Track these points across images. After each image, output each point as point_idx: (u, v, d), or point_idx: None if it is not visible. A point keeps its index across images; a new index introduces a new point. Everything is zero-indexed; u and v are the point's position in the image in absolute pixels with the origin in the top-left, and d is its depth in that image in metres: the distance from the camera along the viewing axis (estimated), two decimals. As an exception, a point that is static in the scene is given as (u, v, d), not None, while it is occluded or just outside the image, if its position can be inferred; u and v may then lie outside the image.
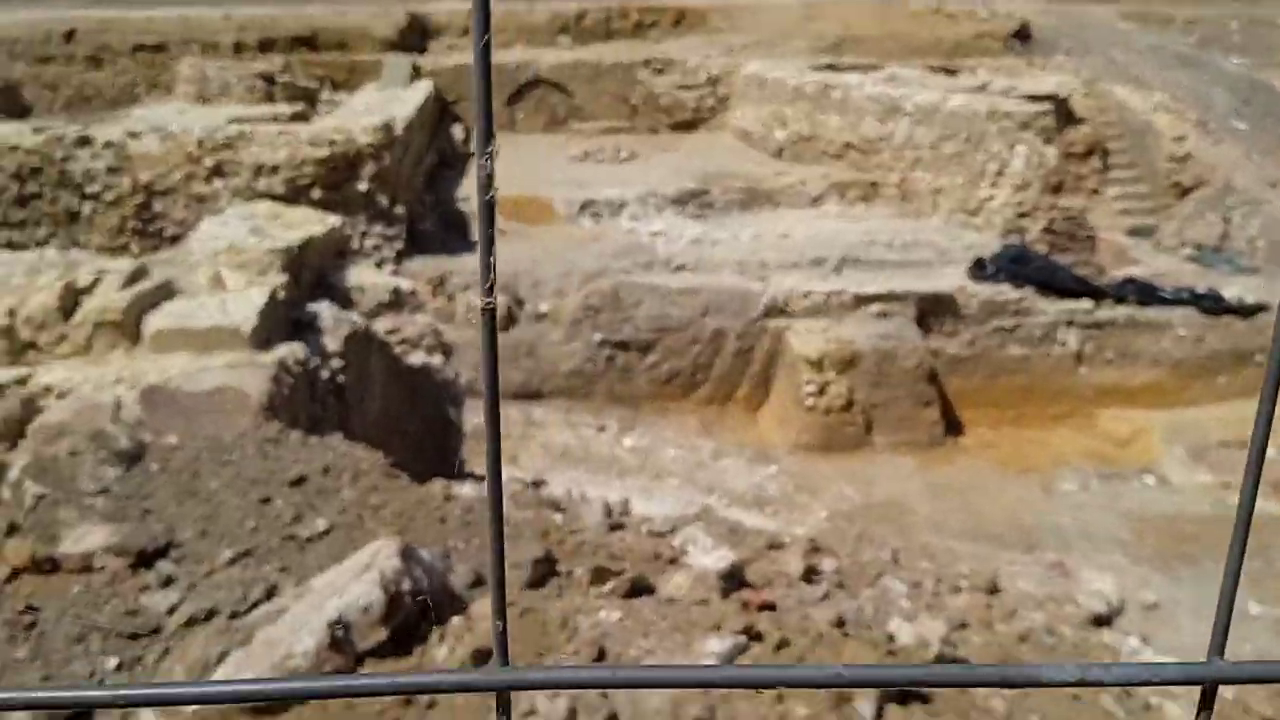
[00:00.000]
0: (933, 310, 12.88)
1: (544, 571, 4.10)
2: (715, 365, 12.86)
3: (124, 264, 6.62)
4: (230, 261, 6.79)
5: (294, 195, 12.03)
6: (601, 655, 3.23)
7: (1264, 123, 18.41)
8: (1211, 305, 12.99)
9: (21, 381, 5.52)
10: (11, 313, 5.75)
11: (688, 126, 20.90)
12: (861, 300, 12.73)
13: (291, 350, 5.98)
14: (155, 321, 5.86)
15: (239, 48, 20.20)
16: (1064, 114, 16.43)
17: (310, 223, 8.06)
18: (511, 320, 12.44)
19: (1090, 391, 13.11)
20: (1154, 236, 16.19)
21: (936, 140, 14.99)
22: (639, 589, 3.99)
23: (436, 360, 8.01)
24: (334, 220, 8.26)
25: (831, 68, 19.62)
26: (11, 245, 11.10)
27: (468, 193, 15.57)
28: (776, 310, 12.77)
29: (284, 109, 15.82)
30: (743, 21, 24.13)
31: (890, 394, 12.21)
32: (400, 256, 12.34)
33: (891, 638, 4.46)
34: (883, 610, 5.38)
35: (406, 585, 3.27)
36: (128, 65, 20.31)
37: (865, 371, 12.14)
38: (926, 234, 14.52)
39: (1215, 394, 12.96)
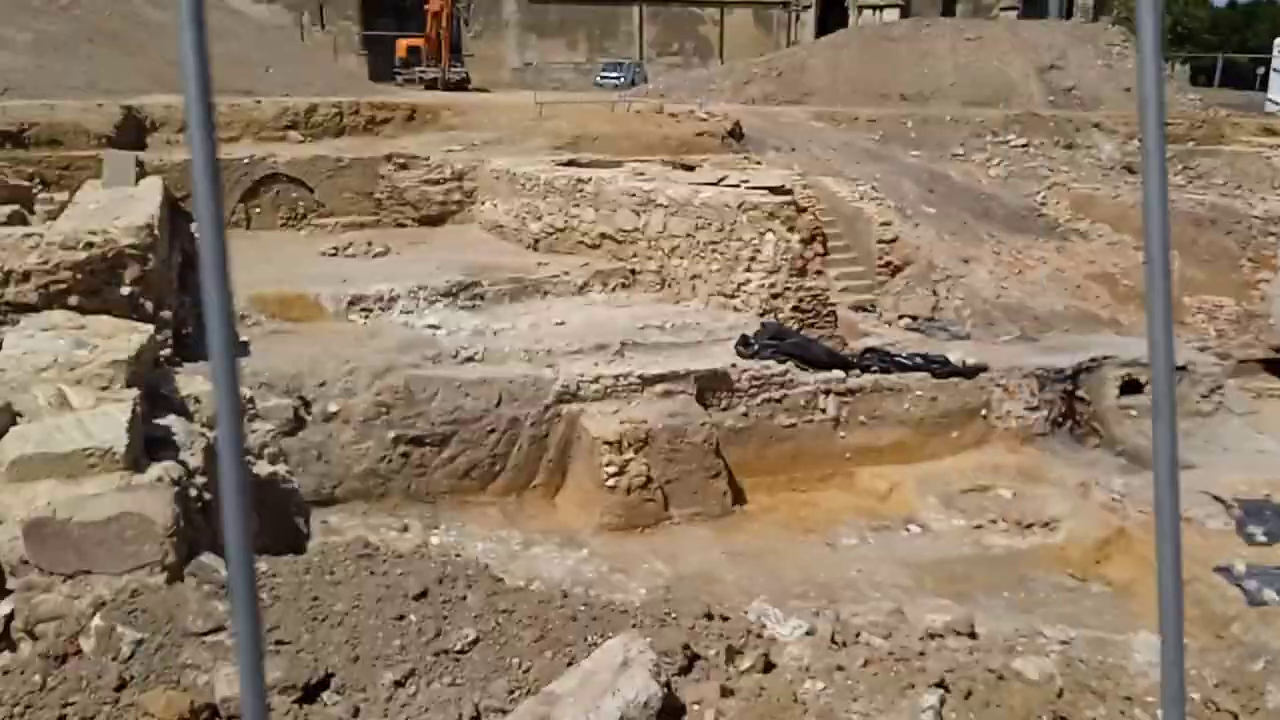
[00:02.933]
0: (710, 386, 13.73)
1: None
2: (512, 454, 12.95)
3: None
4: (64, 378, 6.19)
5: (47, 303, 10.99)
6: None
7: (947, 208, 21.31)
8: (940, 368, 14.78)
9: None
10: None
11: (435, 221, 21.03)
12: (647, 381, 13.35)
13: (166, 469, 5.56)
14: (10, 448, 5.24)
15: (-68, 144, 18.12)
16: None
17: (122, 331, 7.46)
18: (299, 423, 11.93)
19: (848, 453, 14.41)
20: (876, 310, 18.21)
21: (692, 230, 16.12)
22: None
23: (281, 469, 7.62)
24: (146, 327, 7.70)
25: (573, 163, 20.57)
26: None
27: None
28: (568, 396, 13.10)
29: (-3, 209, 14.40)
30: (478, 120, 24.74)
31: (683, 469, 12.83)
32: (169, 363, 11.53)
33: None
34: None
35: (663, 677, 3.34)
36: None
37: (659, 449, 12.71)
38: (691, 316, 15.49)
39: (950, 447, 14.68)
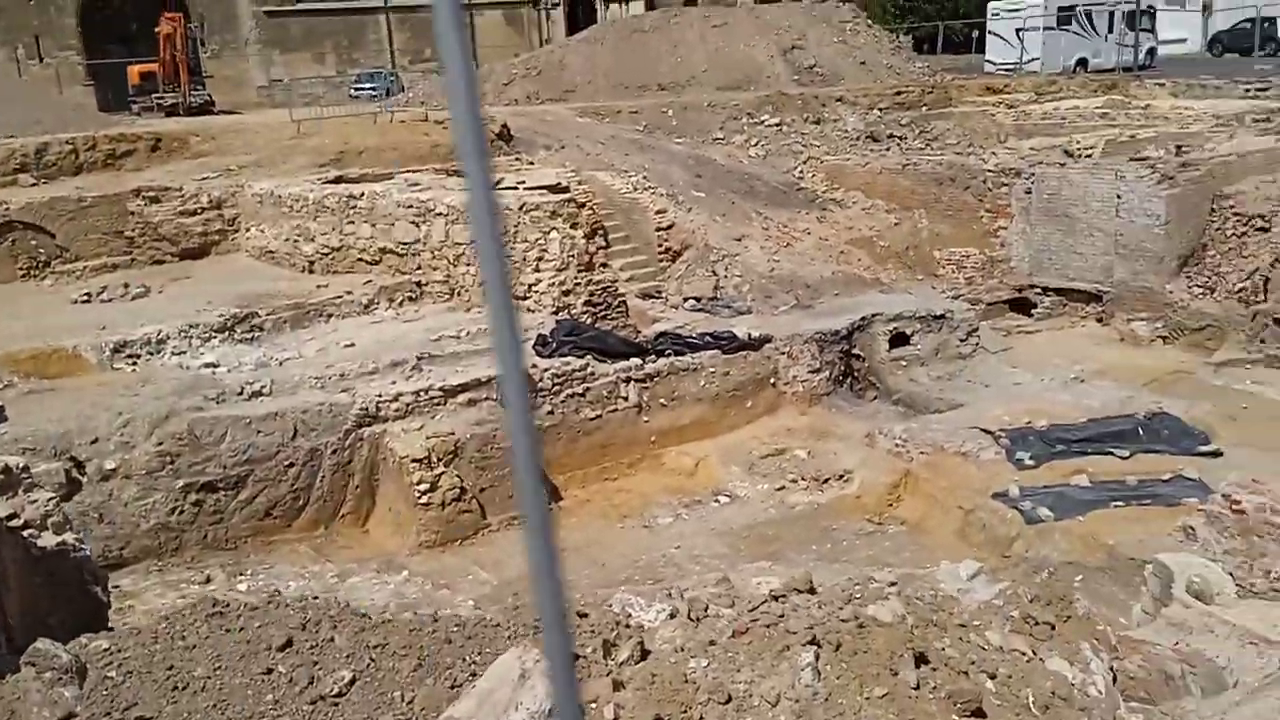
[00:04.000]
0: (511, 390, 13.71)
1: None
2: (315, 486, 12.49)
3: None
4: None
5: None
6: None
7: (716, 190, 22.12)
8: (729, 344, 15.38)
9: None
10: None
11: (197, 253, 19.89)
12: (449, 393, 13.20)
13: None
14: None
15: None
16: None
17: None
18: (75, 485, 11.06)
19: (654, 436, 14.78)
20: (662, 295, 18.70)
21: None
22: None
23: (70, 538, 7.04)
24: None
25: (341, 179, 19.97)
26: None
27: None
28: (369, 418, 12.77)
29: None
30: (231, 144, 23.54)
31: (496, 474, 12.78)
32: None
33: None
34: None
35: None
36: None
37: (469, 458, 12.60)
38: (485, 322, 15.38)
39: (747, 416, 15.33)
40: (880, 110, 27.26)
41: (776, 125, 25.58)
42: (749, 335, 15.58)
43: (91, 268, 18.85)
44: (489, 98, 31.58)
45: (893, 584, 5.80)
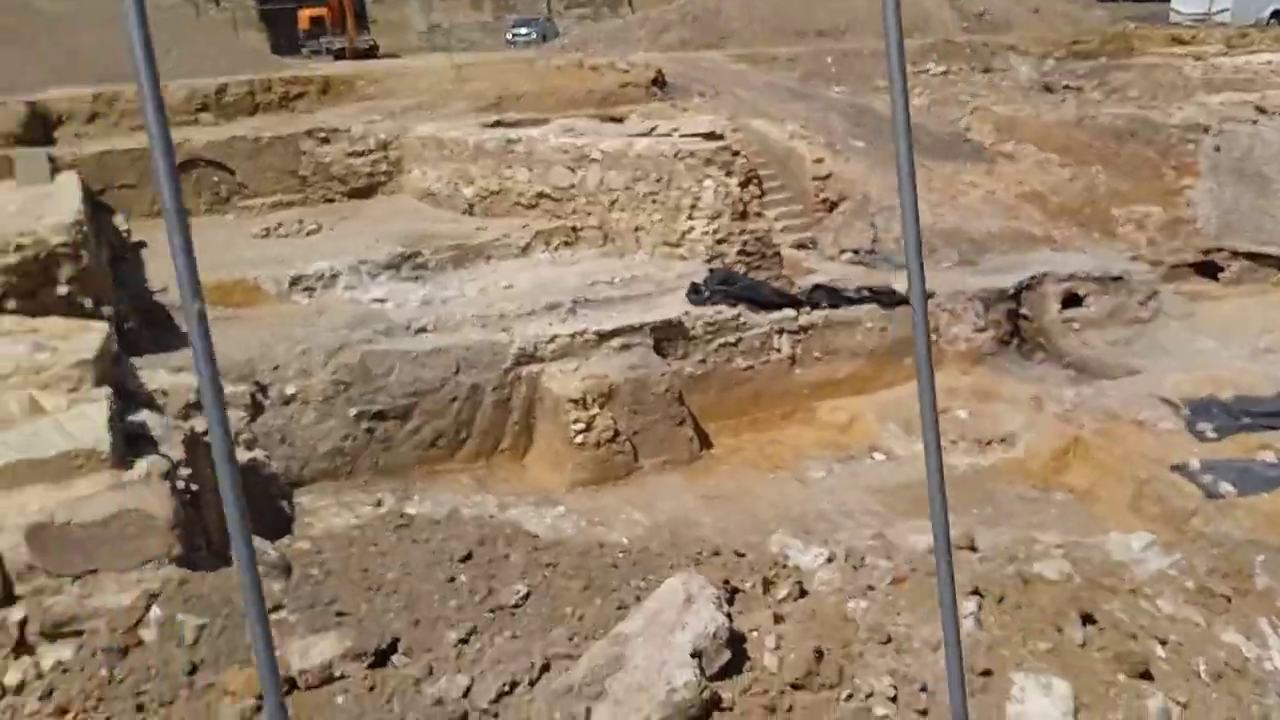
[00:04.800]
0: (666, 336, 13.75)
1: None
2: (476, 420, 12.86)
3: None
4: (30, 382, 5.96)
5: (-20, 309, 10.57)
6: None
7: (876, 141, 21.46)
8: (887, 299, 14.99)
9: None
10: None
11: (364, 193, 20.58)
12: (604, 337, 13.33)
13: (152, 464, 5.41)
14: (-9, 456, 5.06)
15: None
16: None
17: (75, 330, 7.20)
18: (258, 408, 11.70)
19: (806, 389, 14.60)
20: (817, 247, 18.35)
21: (630, 182, 16.02)
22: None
23: (259, 454, 7.47)
24: (100, 325, 7.44)
25: (500, 124, 20.25)
26: None
27: (160, 283, 14.36)
28: (527, 358, 13.03)
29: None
30: (395, 87, 24.19)
31: (648, 419, 12.88)
32: (118, 360, 11.18)
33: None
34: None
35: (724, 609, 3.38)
36: None
37: (622, 401, 12.72)
38: (638, 268, 15.45)
39: (905, 374, 14.92)
40: (1055, 59, 25.87)
41: (943, 73, 24.61)
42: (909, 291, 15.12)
43: (268, 204, 19.75)
44: (644, 44, 31.45)
45: (1058, 546, 5.60)
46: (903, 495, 12.12)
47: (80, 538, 4.61)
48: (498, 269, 15.87)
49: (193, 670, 3.50)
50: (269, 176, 20.42)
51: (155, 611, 3.77)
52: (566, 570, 3.98)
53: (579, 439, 12.39)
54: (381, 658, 3.53)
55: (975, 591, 4.04)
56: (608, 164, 16.43)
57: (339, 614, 3.73)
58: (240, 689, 3.32)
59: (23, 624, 4.69)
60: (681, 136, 16.77)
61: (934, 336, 14.98)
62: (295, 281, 14.71)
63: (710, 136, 16.82)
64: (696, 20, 31.89)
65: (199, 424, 7.06)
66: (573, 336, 13.25)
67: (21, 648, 4.70)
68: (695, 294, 14.46)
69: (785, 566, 4.44)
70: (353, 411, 12.19)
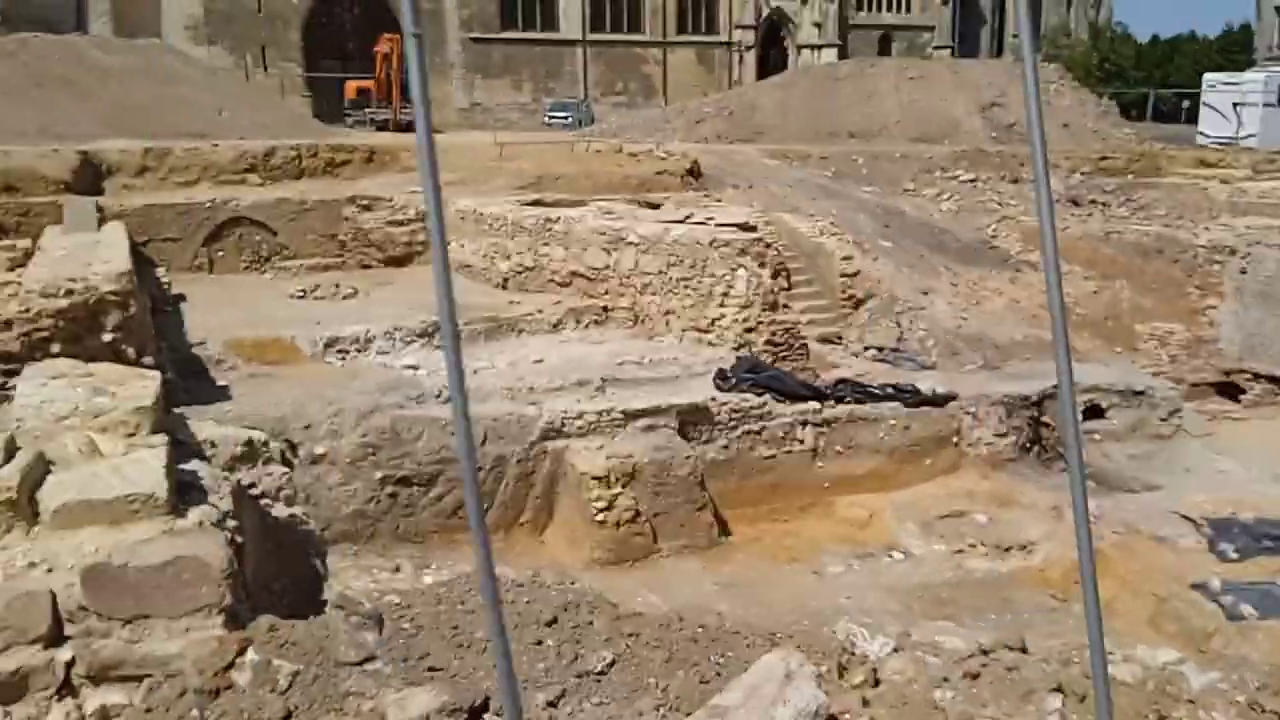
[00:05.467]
0: (691, 420, 13.89)
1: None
2: (499, 492, 12.95)
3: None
4: (88, 426, 6.14)
5: (29, 351, 10.85)
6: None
7: (904, 242, 21.86)
8: (911, 398, 15.13)
9: (-102, 579, 4.66)
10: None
11: (400, 261, 21.02)
12: (630, 416, 13.47)
13: (204, 513, 5.55)
14: (53, 496, 5.19)
15: (-122, 190, 17.70)
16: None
17: (130, 378, 7.42)
18: (288, 466, 11.81)
19: (827, 482, 14.64)
20: (842, 342, 18.57)
21: (664, 266, 16.35)
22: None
23: (299, 511, 7.59)
24: (153, 374, 7.65)
25: (539, 203, 20.74)
26: None
27: (198, 336, 14.67)
28: (553, 432, 13.17)
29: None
30: (438, 161, 24.79)
31: (669, 502, 12.95)
32: (167, 410, 11.40)
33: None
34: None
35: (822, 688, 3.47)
36: None
37: (645, 482, 12.81)
38: (666, 350, 15.67)
39: (924, 474, 14.99)
40: (1082, 174, 26.38)
41: (971, 181, 25.11)
42: (933, 391, 15.27)
43: (307, 266, 20.21)
44: (679, 134, 32.27)
45: (1110, 652, 5.65)
46: (921, 595, 12.09)
47: (135, 581, 4.72)
48: (528, 343, 16.12)
49: (287, 716, 3.59)
50: (310, 239, 20.94)
51: (251, 655, 3.88)
52: (649, 641, 4.09)
53: (600, 517, 12.46)
54: (474, 715, 3.62)
55: (1058, 689, 4.12)
56: (643, 247, 16.80)
57: (431, 669, 3.84)
58: (345, 739, 3.41)
59: (69, 665, 4.80)
60: (717, 225, 17.16)
61: (955, 439, 15.08)
62: (330, 343, 14.99)
63: (744, 228, 17.20)
64: (732, 114, 32.75)
65: (245, 476, 7.23)
66: (600, 414, 13.41)
67: (65, 689, 4.79)
68: (722, 380, 14.63)
69: (853, 654, 4.53)
70: (378, 475, 12.32)
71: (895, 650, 4.59)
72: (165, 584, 4.79)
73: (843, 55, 58.74)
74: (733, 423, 14.17)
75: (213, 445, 7.16)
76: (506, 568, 12.24)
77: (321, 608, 7.46)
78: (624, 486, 12.61)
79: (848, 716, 3.69)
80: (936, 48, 66.77)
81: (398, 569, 11.68)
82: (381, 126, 38.29)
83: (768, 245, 18.63)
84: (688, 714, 3.67)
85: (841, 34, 63.52)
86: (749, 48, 60.96)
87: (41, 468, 5.47)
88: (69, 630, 4.77)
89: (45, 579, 4.79)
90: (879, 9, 67.22)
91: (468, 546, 12.46)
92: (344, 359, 14.81)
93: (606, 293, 17.39)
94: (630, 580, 12.23)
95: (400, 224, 20.95)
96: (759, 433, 14.30)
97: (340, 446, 12.26)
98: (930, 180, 25.68)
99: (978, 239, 22.56)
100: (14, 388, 11.41)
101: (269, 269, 20.25)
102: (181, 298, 17.15)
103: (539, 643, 4.03)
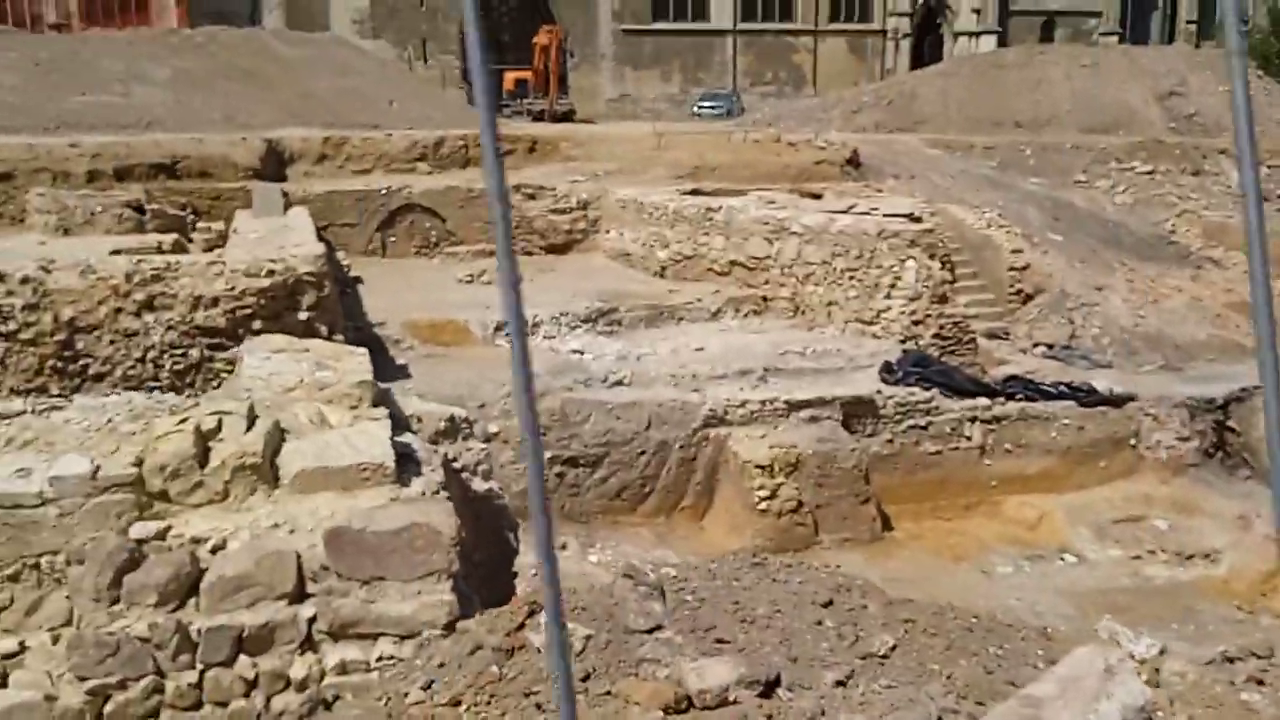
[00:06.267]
0: (855, 413, 13.76)
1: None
2: (661, 476, 13.15)
3: (208, 405, 6.28)
4: (314, 398, 6.57)
5: (233, 328, 11.63)
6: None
7: (1074, 235, 21.01)
8: (1087, 397, 14.57)
9: (161, 535, 5.12)
10: (139, 462, 5.34)
11: (561, 249, 21.49)
12: (793, 406, 13.45)
13: (426, 483, 5.88)
14: (291, 463, 5.60)
15: (92, 176, 19.17)
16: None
17: (343, 353, 7.90)
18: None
19: (994, 481, 14.28)
20: (1009, 338, 18.01)
21: (828, 257, 16.21)
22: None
23: (495, 486, 7.94)
24: (361, 351, 8.12)
25: (697, 192, 20.84)
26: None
27: (377, 317, 15.39)
28: (716, 420, 13.27)
29: (160, 238, 15.23)
30: (596, 151, 25.24)
31: (832, 494, 12.87)
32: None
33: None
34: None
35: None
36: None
37: (808, 473, 12.77)
38: (829, 342, 15.54)
39: (1098, 477, 14.43)
40: (1270, 167, 24.72)
41: (1148, 173, 23.91)
42: (1110, 390, 14.68)
43: (473, 251, 20.86)
44: (836, 123, 31.80)
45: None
46: (1097, 600, 11.66)
47: (373, 545, 5.05)
48: (688, 331, 16.25)
49: (585, 677, 3.80)
50: (476, 226, 21.57)
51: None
52: (926, 628, 4.15)
53: (762, 505, 12.49)
54: (769, 689, 3.74)
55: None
56: (807, 238, 16.69)
57: (718, 640, 3.99)
58: (644, 701, 3.59)
59: (311, 621, 5.16)
60: (885, 216, 16.89)
61: (1133, 441, 14.46)
62: (499, 327, 15.43)
63: (911, 218, 16.88)
64: (891, 104, 32.07)
65: (448, 450, 7.59)
66: (762, 403, 13.43)
67: (307, 644, 5.16)
68: (888, 373, 14.43)
69: (1130, 656, 4.47)
70: (547, 455, 12.66)
71: (1162, 652, 4.49)
72: (400, 548, 5.11)
73: (1002, 43, 56.66)
74: (898, 416, 13.97)
75: (418, 420, 7.54)
76: (668, 551, 12.45)
77: (514, 580, 7.78)
78: (787, 476, 12.61)
79: (1161, 715, 3.64)
80: (1104, 34, 63.62)
81: (564, 547, 11.98)
82: (538, 117, 39.12)
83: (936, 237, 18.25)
84: (978, 702, 3.69)
85: (1001, 20, 61.16)
86: (905, 35, 59.41)
87: (278, 436, 5.90)
88: (311, 589, 5.15)
89: (288, 539, 5.17)
90: (1042, -7, 64.46)
91: (630, 529, 12.75)
92: (513, 342, 15.25)
93: (766, 283, 17.35)
94: (792, 570, 12.24)
95: (563, 212, 21.42)
96: (925, 428, 14.05)
97: (512, 426, 12.64)
98: (1104, 172, 24.58)
99: (1155, 234, 21.49)
100: (220, 361, 12.24)
101: (437, 254, 21.01)
102: (358, 280, 18.01)
103: (819, 623, 4.12)
